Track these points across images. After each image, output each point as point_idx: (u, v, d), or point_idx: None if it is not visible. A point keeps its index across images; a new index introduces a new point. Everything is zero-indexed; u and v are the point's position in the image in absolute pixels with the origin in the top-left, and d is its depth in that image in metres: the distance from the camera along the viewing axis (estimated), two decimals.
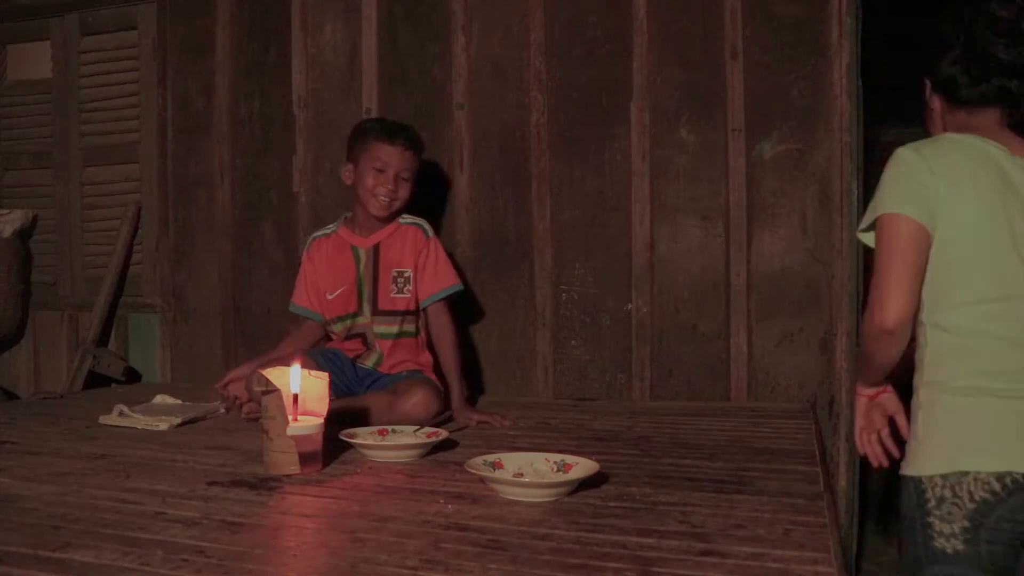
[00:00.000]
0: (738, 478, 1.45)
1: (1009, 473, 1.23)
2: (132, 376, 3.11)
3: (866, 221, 1.38)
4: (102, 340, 3.09)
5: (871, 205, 1.36)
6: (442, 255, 2.26)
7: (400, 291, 2.22)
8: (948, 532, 1.26)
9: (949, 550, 1.26)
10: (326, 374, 1.60)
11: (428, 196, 2.50)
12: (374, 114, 2.73)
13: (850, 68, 2.31)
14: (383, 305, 2.22)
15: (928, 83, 1.44)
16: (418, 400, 1.96)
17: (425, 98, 2.69)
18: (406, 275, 2.22)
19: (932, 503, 1.28)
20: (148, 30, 3.06)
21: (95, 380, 2.99)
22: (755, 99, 2.39)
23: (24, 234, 3.24)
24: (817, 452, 1.68)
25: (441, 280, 2.23)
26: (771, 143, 2.39)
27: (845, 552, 1.72)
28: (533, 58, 2.58)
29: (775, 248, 2.39)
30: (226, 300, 2.95)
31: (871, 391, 1.50)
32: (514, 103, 2.61)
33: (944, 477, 1.27)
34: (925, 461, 1.30)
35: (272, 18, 2.88)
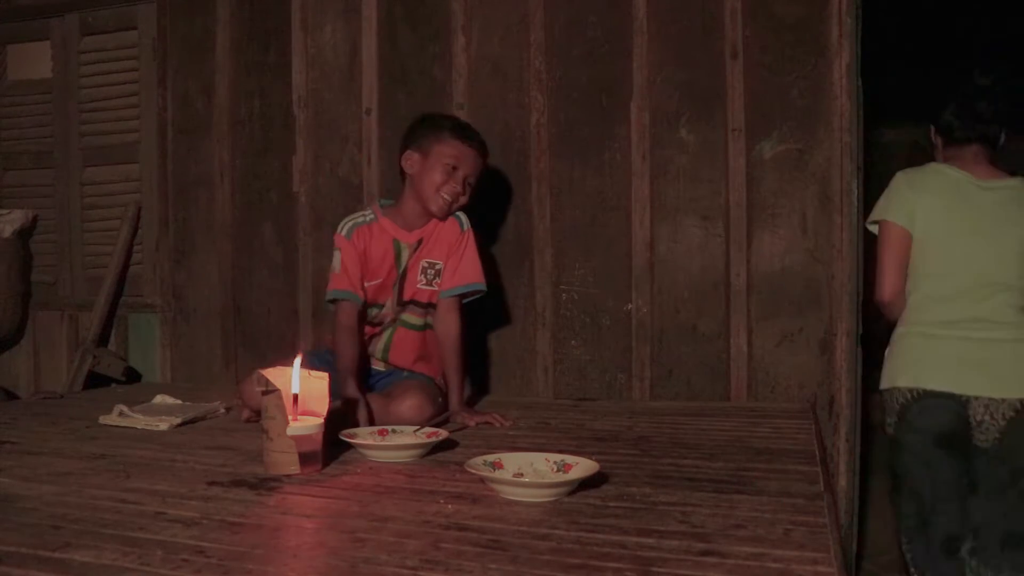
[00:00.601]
0: (738, 478, 1.45)
1: (915, 388, 1.92)
2: (132, 376, 3.11)
3: (871, 218, 2.06)
4: (102, 340, 3.09)
5: (876, 207, 2.03)
6: (471, 250, 2.17)
7: (428, 283, 2.15)
8: (889, 421, 2.00)
9: (891, 432, 2.00)
10: (326, 374, 1.60)
11: None
12: (374, 114, 2.74)
13: (850, 68, 2.31)
14: (408, 295, 2.16)
15: (932, 127, 2.08)
16: (411, 404, 1.94)
17: (425, 98, 2.69)
18: (437, 267, 2.15)
19: (884, 405, 2.01)
20: (148, 30, 3.06)
21: (95, 380, 2.99)
22: (755, 99, 2.39)
23: (24, 234, 3.24)
24: (817, 452, 1.68)
25: (461, 276, 2.14)
26: (771, 143, 2.39)
27: (845, 552, 1.72)
28: (533, 58, 2.58)
29: (775, 248, 2.39)
30: (226, 300, 2.95)
31: None
32: (514, 103, 2.61)
33: (887, 391, 2.00)
34: (882, 381, 2.03)
35: (272, 18, 2.88)
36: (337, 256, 2.13)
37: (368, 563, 1.03)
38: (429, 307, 2.17)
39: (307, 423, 1.50)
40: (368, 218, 2.16)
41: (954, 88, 2.03)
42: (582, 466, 1.38)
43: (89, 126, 3.19)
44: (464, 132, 2.14)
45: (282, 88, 2.86)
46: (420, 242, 2.15)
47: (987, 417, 1.86)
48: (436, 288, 2.15)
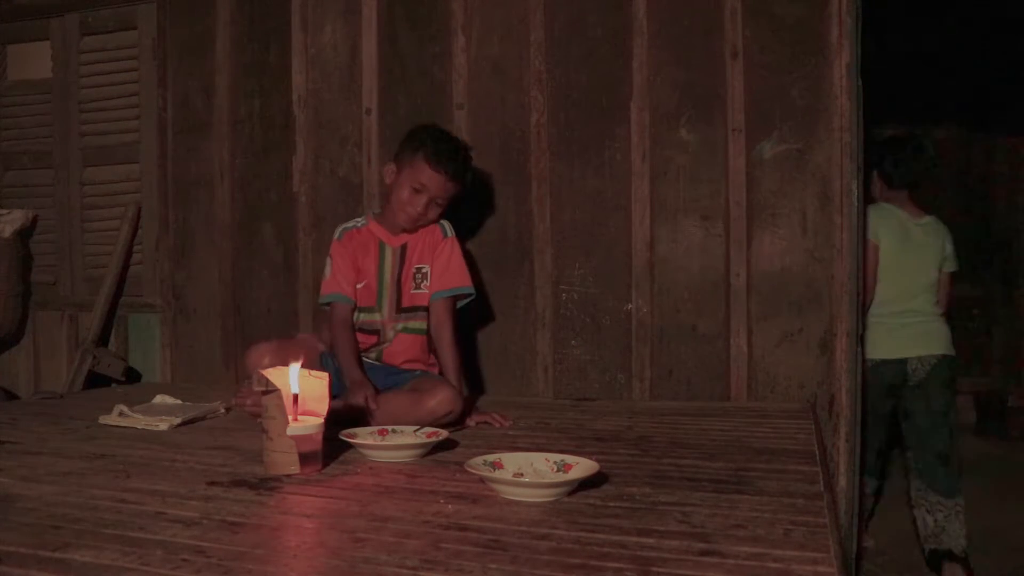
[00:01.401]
0: (738, 478, 1.45)
1: (873, 359, 2.82)
2: (132, 376, 3.11)
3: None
4: (102, 340, 3.09)
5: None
6: (456, 255, 2.24)
7: (418, 287, 2.22)
8: (871, 384, 2.81)
9: (871, 382, 2.81)
10: (326, 374, 1.60)
11: None
12: (374, 114, 2.74)
13: (850, 68, 2.30)
14: (406, 303, 2.21)
15: (876, 172, 2.95)
16: (444, 398, 1.94)
17: (425, 98, 2.69)
18: (424, 271, 2.22)
19: (867, 367, 2.76)
20: (148, 30, 3.07)
21: (95, 380, 2.99)
22: (755, 99, 2.39)
23: (24, 234, 3.24)
24: (817, 452, 1.68)
25: (448, 279, 2.21)
26: (771, 143, 2.39)
27: (845, 552, 1.72)
28: (533, 58, 2.58)
29: (775, 248, 2.39)
30: (226, 300, 2.95)
31: None
32: (514, 103, 2.61)
33: (868, 360, 2.78)
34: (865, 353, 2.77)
35: (272, 18, 2.88)
36: (329, 262, 2.26)
37: (368, 563, 1.03)
38: (424, 311, 2.22)
39: (307, 423, 1.50)
40: (359, 223, 2.29)
41: (896, 144, 2.93)
42: (582, 466, 1.38)
43: (89, 126, 3.19)
44: (437, 158, 2.14)
45: (282, 88, 2.86)
46: (405, 246, 2.23)
47: (919, 365, 2.84)
48: (426, 291, 2.22)
